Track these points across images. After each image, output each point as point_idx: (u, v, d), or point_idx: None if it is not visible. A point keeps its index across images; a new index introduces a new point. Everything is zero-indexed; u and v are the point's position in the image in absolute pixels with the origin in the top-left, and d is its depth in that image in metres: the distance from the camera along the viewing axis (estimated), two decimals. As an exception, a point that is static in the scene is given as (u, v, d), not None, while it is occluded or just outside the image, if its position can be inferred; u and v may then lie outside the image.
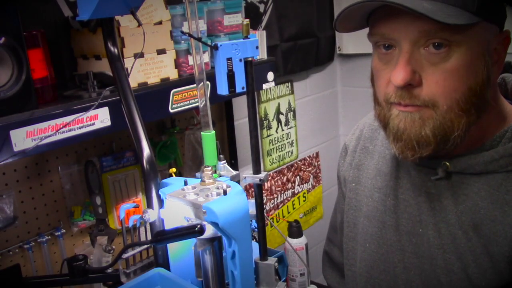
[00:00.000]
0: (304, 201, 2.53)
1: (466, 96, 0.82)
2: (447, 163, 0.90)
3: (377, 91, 0.91)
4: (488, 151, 0.87)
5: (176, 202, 0.95)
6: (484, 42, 0.83)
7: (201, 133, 1.00)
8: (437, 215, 0.92)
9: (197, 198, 0.92)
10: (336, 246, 1.24)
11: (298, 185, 2.48)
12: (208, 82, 1.03)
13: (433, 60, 0.81)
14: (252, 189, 1.32)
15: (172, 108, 1.40)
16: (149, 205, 1.03)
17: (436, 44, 0.80)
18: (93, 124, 1.21)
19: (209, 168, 0.97)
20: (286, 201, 2.41)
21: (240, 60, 0.90)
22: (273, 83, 1.69)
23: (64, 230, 1.49)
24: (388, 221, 0.99)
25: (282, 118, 2.33)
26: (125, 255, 1.02)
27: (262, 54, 1.74)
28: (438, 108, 0.82)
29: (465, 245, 0.88)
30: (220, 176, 1.01)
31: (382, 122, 0.91)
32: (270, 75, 1.67)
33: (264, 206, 1.12)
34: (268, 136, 2.26)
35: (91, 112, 1.19)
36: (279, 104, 2.30)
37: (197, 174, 1.01)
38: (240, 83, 0.91)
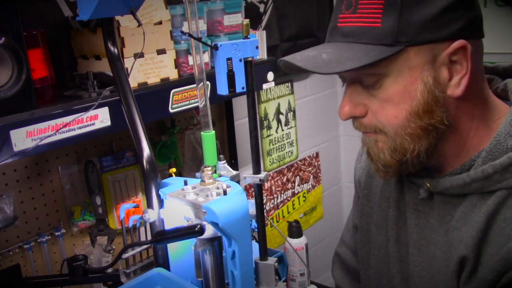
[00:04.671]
0: (304, 201, 2.53)
1: (410, 121, 0.82)
2: (428, 184, 0.90)
3: None
4: (461, 175, 0.85)
5: (176, 202, 0.95)
6: (419, 65, 0.80)
7: (201, 133, 1.00)
8: (420, 233, 0.93)
9: (197, 198, 0.91)
10: (348, 249, 1.23)
11: (298, 185, 2.48)
12: (208, 82, 1.03)
13: (370, 92, 0.84)
14: (252, 189, 1.32)
15: (172, 108, 1.40)
16: (149, 205, 1.03)
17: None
18: (93, 124, 1.21)
19: (209, 168, 0.97)
20: (286, 201, 2.41)
21: (240, 60, 0.90)
22: (273, 83, 1.69)
23: (64, 230, 1.49)
24: (390, 231, 1.00)
25: (282, 118, 2.33)
26: (125, 255, 1.02)
27: (262, 54, 1.74)
28: (386, 133, 0.85)
29: (440, 265, 0.88)
30: (220, 176, 1.01)
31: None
32: (270, 75, 1.67)
33: (264, 206, 1.12)
34: (268, 136, 2.26)
35: (91, 112, 1.19)
36: (279, 104, 2.30)
37: (197, 174, 1.01)
38: (240, 83, 0.91)
